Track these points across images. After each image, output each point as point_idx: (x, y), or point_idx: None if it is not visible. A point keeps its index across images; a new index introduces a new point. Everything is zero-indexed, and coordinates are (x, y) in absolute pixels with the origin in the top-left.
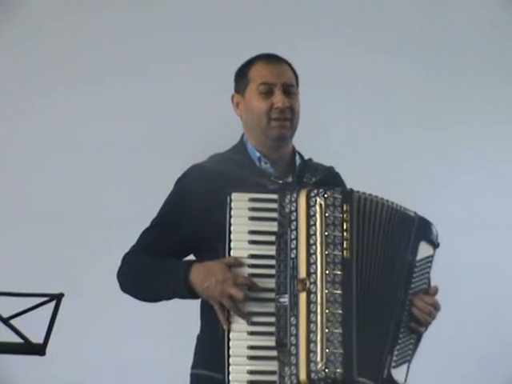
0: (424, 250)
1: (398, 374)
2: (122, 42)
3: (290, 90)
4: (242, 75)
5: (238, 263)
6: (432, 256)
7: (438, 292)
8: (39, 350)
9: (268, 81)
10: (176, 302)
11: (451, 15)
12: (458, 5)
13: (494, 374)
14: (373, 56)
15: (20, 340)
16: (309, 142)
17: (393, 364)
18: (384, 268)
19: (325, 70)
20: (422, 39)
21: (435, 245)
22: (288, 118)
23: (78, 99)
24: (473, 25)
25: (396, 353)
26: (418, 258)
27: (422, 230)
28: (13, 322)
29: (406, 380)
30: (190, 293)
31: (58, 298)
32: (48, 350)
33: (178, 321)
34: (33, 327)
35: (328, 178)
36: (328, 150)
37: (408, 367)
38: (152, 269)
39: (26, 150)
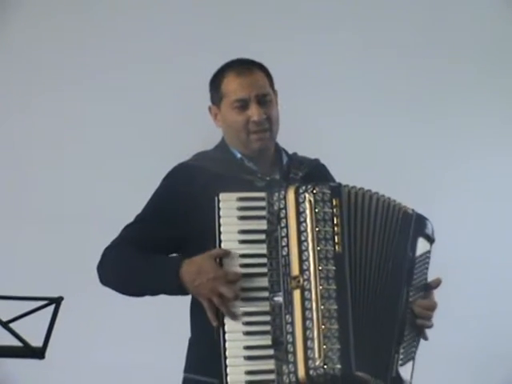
0: (422, 245)
1: (404, 371)
2: (123, 42)
3: (264, 100)
4: (215, 87)
5: (227, 254)
6: (429, 252)
7: (440, 284)
8: (38, 353)
9: (240, 97)
10: (181, 304)
11: (453, 12)
12: (460, 1)
13: (491, 374)
14: (373, 53)
15: (19, 343)
16: (308, 140)
17: (400, 362)
18: (381, 262)
19: (323, 67)
20: (425, 36)
21: (431, 240)
22: (267, 129)
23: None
24: (476, 24)
25: (402, 350)
26: (417, 254)
27: (419, 226)
28: (12, 325)
29: (411, 377)
30: (180, 290)
31: (57, 301)
32: (47, 353)
33: (181, 323)
34: (32, 331)
35: (314, 172)
36: (328, 150)
37: (413, 364)
38: (139, 262)
39: (26, 150)
